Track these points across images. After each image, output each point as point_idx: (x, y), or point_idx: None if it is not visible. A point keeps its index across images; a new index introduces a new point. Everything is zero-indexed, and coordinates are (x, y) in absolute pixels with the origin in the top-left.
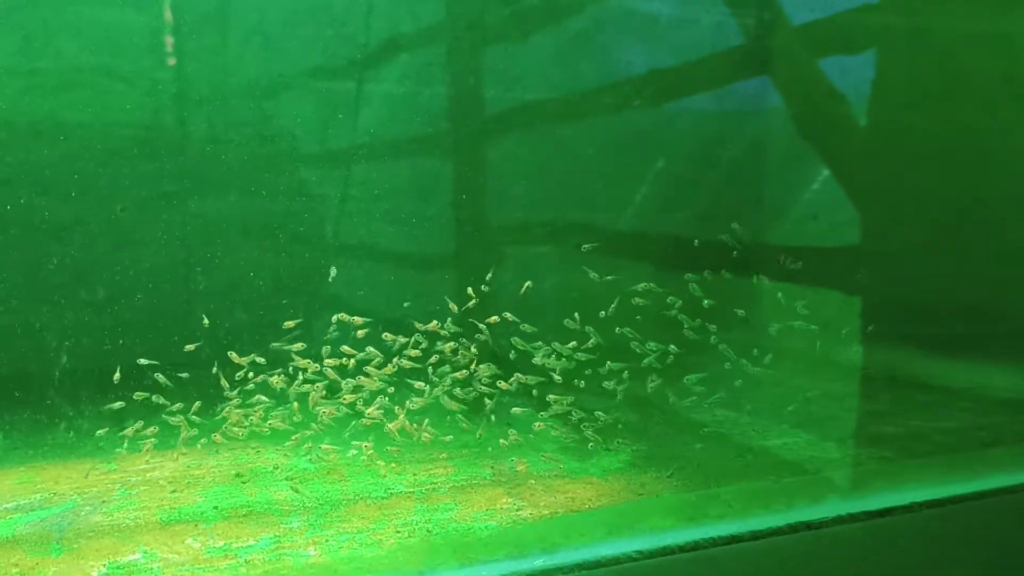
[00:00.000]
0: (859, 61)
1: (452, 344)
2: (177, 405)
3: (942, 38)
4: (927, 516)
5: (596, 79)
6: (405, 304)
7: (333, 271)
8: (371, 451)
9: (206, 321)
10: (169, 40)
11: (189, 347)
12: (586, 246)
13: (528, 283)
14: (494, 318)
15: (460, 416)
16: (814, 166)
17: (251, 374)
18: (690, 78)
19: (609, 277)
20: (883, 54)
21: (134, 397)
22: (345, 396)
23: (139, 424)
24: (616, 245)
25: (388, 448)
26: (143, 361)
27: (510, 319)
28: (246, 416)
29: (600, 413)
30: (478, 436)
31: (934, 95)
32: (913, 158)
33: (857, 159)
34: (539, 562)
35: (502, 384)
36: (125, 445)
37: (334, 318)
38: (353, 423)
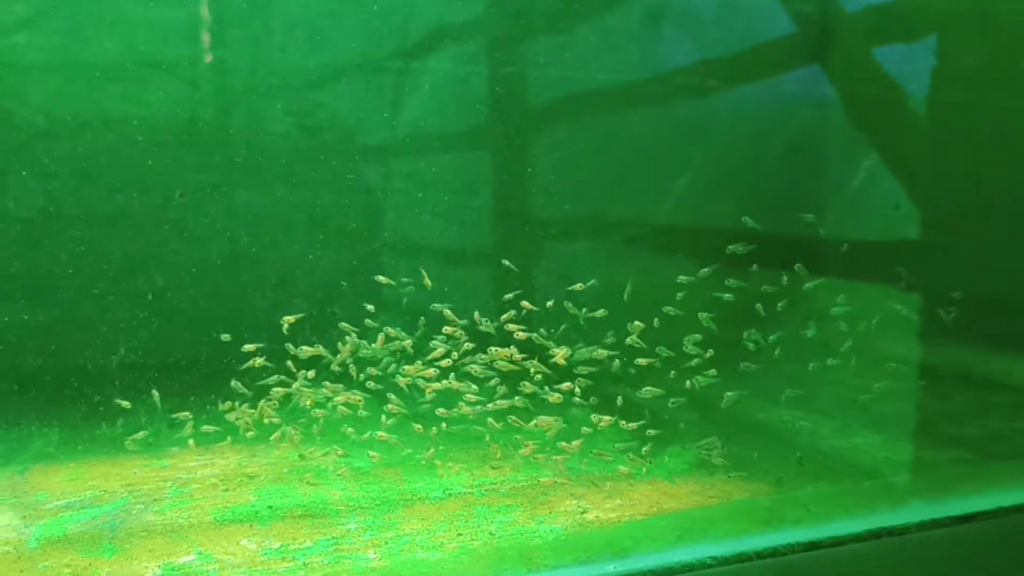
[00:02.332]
0: (920, 48)
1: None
2: (227, 404)
3: (1009, 21)
4: (1017, 521)
5: (647, 68)
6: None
7: (427, 281)
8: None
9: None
10: (209, 33)
11: (307, 349)
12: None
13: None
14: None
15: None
16: (875, 157)
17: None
18: (744, 66)
19: (705, 270)
20: (946, 39)
21: (152, 393)
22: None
23: (190, 421)
24: (669, 238)
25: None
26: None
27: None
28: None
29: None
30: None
31: (1001, 81)
32: (981, 147)
33: (923, 149)
34: (610, 568)
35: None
36: (190, 436)
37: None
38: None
